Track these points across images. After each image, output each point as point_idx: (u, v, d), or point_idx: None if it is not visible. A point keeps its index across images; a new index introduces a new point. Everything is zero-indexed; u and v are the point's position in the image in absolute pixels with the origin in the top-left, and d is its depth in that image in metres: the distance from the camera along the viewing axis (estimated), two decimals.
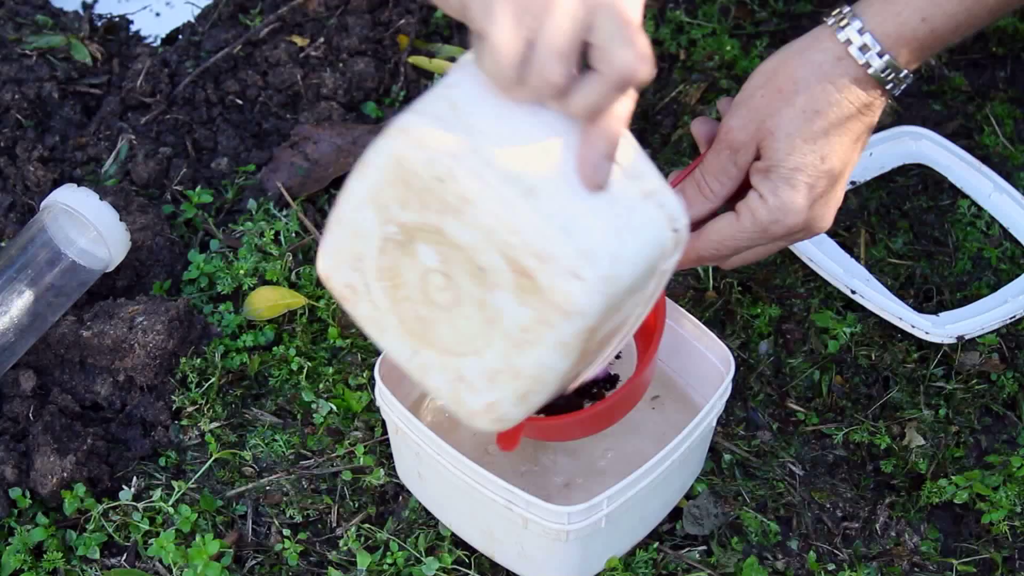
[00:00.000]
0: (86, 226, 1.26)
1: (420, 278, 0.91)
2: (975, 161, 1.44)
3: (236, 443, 1.26)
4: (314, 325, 1.33)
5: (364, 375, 1.29)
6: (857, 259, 1.37)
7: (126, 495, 1.20)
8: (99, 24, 1.62)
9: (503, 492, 1.06)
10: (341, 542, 1.18)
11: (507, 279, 0.86)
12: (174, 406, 1.27)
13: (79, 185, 1.29)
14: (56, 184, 1.41)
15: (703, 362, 1.19)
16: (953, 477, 1.23)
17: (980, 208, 1.44)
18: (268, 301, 1.33)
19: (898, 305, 1.32)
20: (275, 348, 1.31)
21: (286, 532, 1.19)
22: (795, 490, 1.24)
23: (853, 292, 1.32)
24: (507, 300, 0.87)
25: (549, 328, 0.87)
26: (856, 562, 1.19)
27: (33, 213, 1.38)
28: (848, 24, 1.04)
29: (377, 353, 1.27)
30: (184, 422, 1.26)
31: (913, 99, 1.53)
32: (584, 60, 0.84)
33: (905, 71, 1.05)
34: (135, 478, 1.22)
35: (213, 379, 1.28)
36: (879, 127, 1.14)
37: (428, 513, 1.20)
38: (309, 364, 1.30)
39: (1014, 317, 1.31)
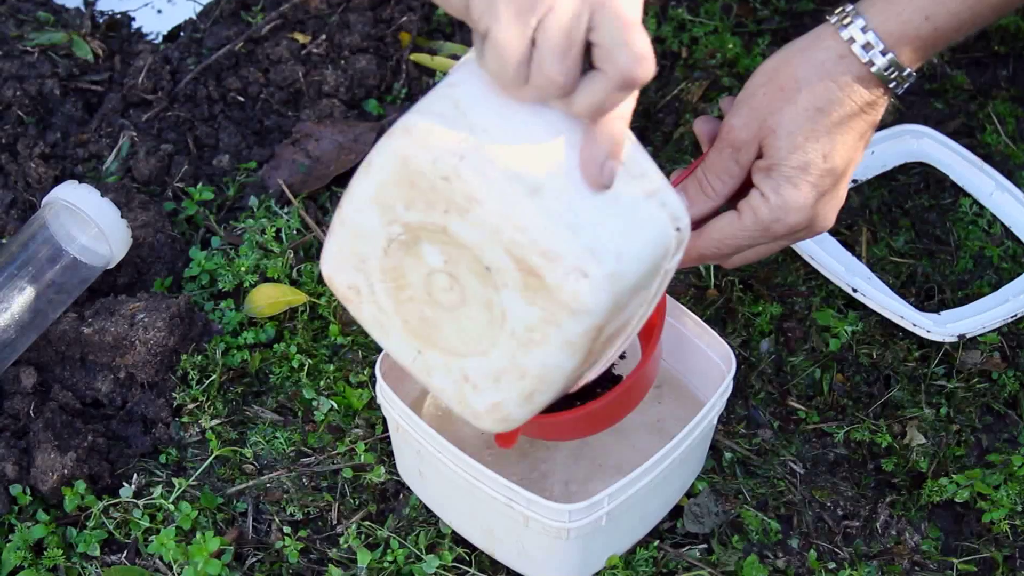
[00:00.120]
0: (87, 223, 1.26)
1: (425, 279, 0.91)
2: (977, 160, 1.44)
3: (237, 440, 1.26)
4: (315, 322, 1.33)
5: (365, 372, 1.29)
6: (858, 257, 1.37)
7: (126, 492, 1.20)
8: (101, 21, 1.61)
9: (504, 490, 1.06)
10: (341, 539, 1.18)
11: (514, 278, 0.86)
12: (175, 403, 1.27)
13: (80, 182, 1.29)
14: (57, 181, 1.41)
15: (704, 360, 1.19)
16: (954, 476, 1.23)
17: (982, 207, 1.44)
18: (269, 298, 1.33)
19: (899, 304, 1.32)
20: (276, 345, 1.31)
21: (286, 529, 1.19)
22: (796, 488, 1.24)
23: (854, 290, 1.32)
24: (514, 299, 0.87)
25: (556, 327, 0.87)
26: (857, 561, 1.19)
27: (34, 210, 1.38)
28: (851, 22, 1.04)
29: (378, 351, 1.27)
30: (185, 419, 1.26)
31: (915, 97, 1.52)
32: (588, 59, 0.84)
33: (908, 70, 1.05)
34: (135, 475, 1.22)
35: (214, 376, 1.28)
36: (880, 125, 1.14)
37: (429, 511, 1.20)
38: (310, 361, 1.30)
39: (1015, 316, 1.31)
